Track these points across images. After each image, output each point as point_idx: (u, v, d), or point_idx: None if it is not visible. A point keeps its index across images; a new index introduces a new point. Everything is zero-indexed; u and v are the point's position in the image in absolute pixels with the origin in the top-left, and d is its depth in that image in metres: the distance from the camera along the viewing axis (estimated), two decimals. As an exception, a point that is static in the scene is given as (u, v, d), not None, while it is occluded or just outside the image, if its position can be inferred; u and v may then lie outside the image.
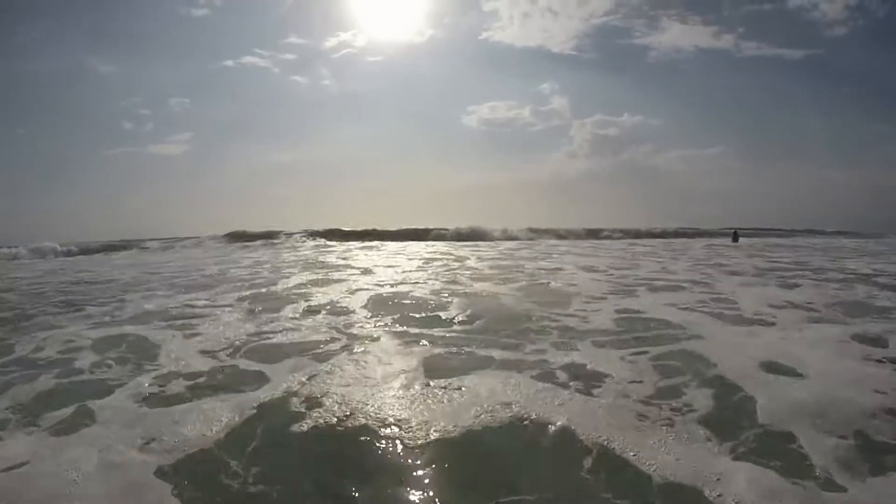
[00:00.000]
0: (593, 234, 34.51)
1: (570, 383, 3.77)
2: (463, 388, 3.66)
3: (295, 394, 3.61)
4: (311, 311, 6.72)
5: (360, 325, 5.82)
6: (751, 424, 3.00)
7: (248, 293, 8.45)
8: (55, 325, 6.15)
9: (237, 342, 5.08)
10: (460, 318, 6.05)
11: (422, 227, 33.89)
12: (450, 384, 3.75)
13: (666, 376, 3.85)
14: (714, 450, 2.73)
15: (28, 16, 73.55)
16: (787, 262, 12.71)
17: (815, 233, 40.65)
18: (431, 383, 3.79)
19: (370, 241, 28.68)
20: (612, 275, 10.17)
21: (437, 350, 4.69)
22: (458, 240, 30.84)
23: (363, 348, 4.80)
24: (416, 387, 3.75)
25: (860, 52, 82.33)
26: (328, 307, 6.94)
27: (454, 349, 4.72)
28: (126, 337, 5.40)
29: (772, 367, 3.93)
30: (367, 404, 3.39)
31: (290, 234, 32.55)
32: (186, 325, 5.91)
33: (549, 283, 9.08)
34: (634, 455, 2.69)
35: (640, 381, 3.75)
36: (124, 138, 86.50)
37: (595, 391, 3.59)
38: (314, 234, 30.86)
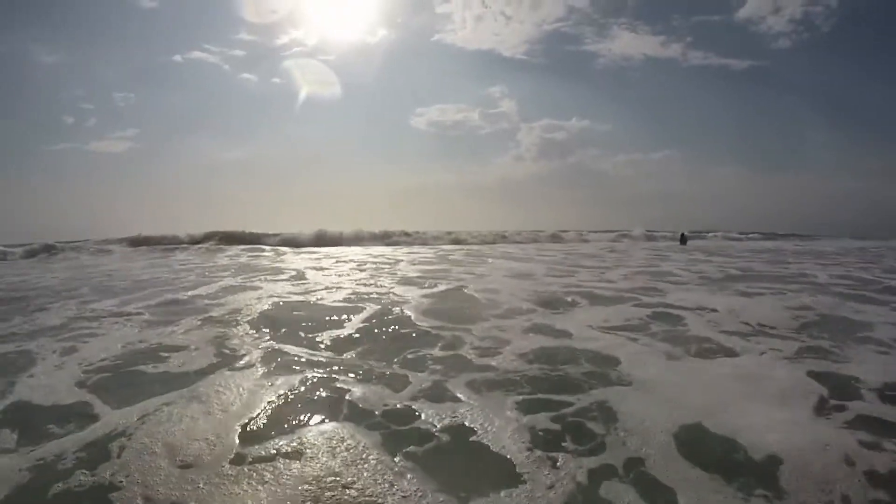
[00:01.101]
0: (536, 236, 33.23)
1: (437, 463, 2.42)
2: (291, 458, 2.50)
3: (101, 445, 2.70)
4: (203, 323, 5.59)
5: (240, 344, 4.66)
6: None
7: (158, 300, 7.34)
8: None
9: (105, 364, 4.15)
10: (348, 337, 4.93)
11: (368, 230, 30.96)
12: (281, 447, 2.61)
13: (581, 456, 2.49)
14: None
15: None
16: (738, 268, 11.88)
17: (764, 235, 41.34)
18: (258, 445, 2.64)
19: (315, 246, 26.04)
20: (540, 282, 8.90)
21: (298, 386, 3.53)
22: (401, 243, 28.90)
23: (220, 380, 3.66)
24: (240, 450, 2.61)
25: (803, 65, 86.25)
26: (221, 319, 5.78)
27: (317, 383, 3.59)
28: (6, 356, 4.44)
29: (730, 448, 2.62)
30: (160, 476, 2.36)
31: (225, 235, 29.29)
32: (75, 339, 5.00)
33: (469, 292, 7.67)
34: None
35: (541, 469, 2.36)
36: (66, 133, 78.11)
37: (469, 485, 2.18)
38: (250, 239, 26.89)
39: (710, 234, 38.62)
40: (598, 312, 5.98)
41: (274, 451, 2.56)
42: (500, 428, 2.80)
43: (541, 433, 2.73)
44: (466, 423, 2.85)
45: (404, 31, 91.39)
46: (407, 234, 29.47)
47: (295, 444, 2.64)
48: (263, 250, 21.91)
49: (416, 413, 3.02)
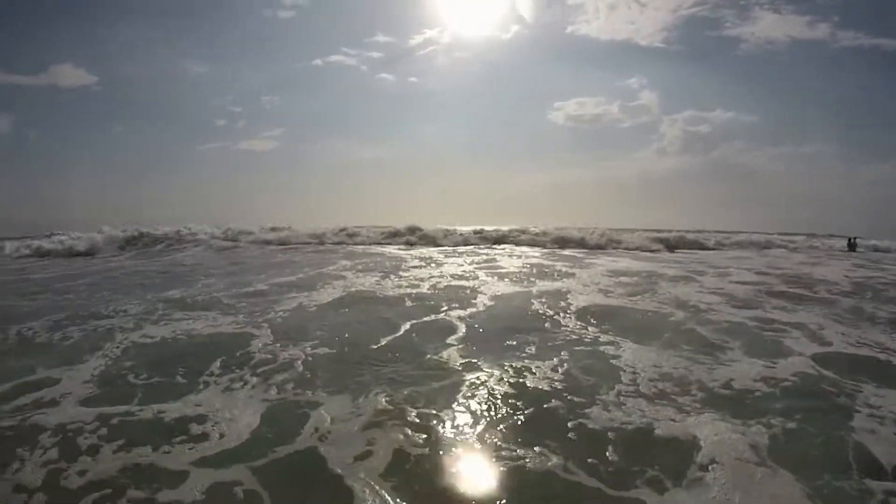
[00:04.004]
0: (669, 236, 26.74)
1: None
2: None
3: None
4: (261, 310, 5.42)
5: (281, 338, 4.35)
6: None
7: (255, 288, 7.19)
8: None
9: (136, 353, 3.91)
10: (359, 361, 3.60)
11: (507, 227, 27.08)
12: None
13: None
14: None
15: (123, 20, 72.35)
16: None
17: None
18: None
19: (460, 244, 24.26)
20: (641, 295, 6.59)
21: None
22: (522, 243, 26.25)
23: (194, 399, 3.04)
24: None
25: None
26: (287, 306, 5.68)
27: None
28: (72, 333, 4.49)
29: None
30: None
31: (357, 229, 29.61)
32: (159, 321, 5.02)
33: (537, 305, 5.83)
34: None
35: None
36: (218, 134, 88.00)
37: None
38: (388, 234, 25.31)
39: (882, 242, 28.36)
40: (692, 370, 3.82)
41: None
42: None
43: None
44: None
45: (536, 25, 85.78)
46: (530, 231, 26.64)
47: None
48: (387, 249, 21.91)
49: None
